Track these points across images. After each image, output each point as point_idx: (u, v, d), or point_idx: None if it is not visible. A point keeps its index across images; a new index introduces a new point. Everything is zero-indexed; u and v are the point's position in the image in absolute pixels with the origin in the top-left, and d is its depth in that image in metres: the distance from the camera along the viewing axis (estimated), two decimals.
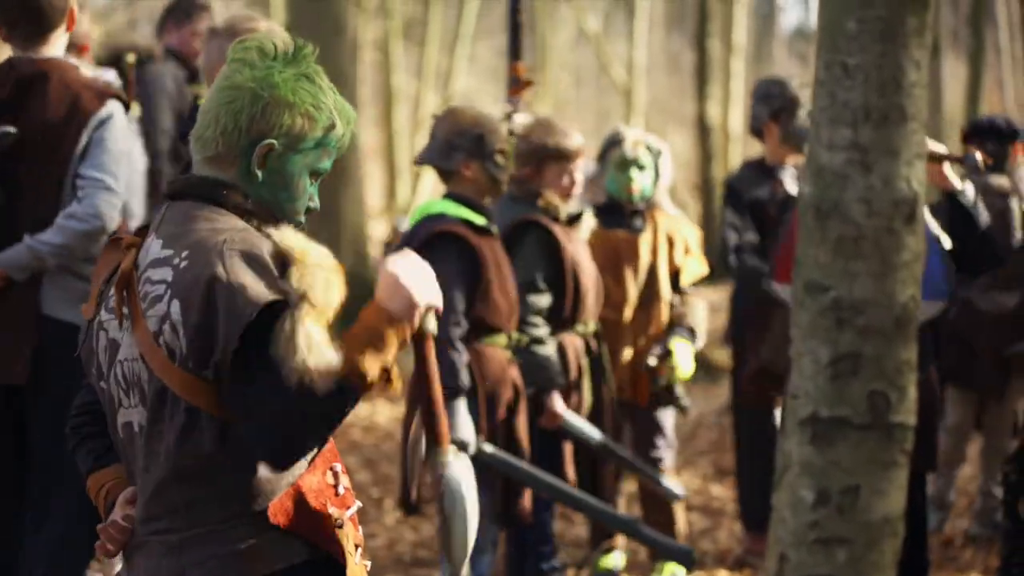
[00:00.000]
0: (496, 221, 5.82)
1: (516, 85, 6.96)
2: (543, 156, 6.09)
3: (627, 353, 6.70)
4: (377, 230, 19.68)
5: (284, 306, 2.93)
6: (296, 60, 3.14)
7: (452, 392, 5.30)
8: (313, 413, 2.92)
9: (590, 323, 6.15)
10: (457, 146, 5.61)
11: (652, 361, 6.66)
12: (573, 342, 6.06)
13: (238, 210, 3.09)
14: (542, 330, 5.95)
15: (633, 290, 6.70)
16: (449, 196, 5.65)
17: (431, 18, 24.54)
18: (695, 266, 6.85)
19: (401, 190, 24.08)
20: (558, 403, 5.92)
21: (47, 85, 5.17)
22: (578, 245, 6.14)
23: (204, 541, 3.05)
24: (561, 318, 6.00)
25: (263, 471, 3.03)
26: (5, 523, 5.26)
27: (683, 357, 6.66)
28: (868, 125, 2.35)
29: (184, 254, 3.00)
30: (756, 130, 7.44)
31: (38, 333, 5.13)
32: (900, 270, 2.38)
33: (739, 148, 20.72)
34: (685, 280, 6.82)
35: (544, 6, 25.64)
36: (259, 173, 3.11)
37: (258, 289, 2.93)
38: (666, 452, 6.79)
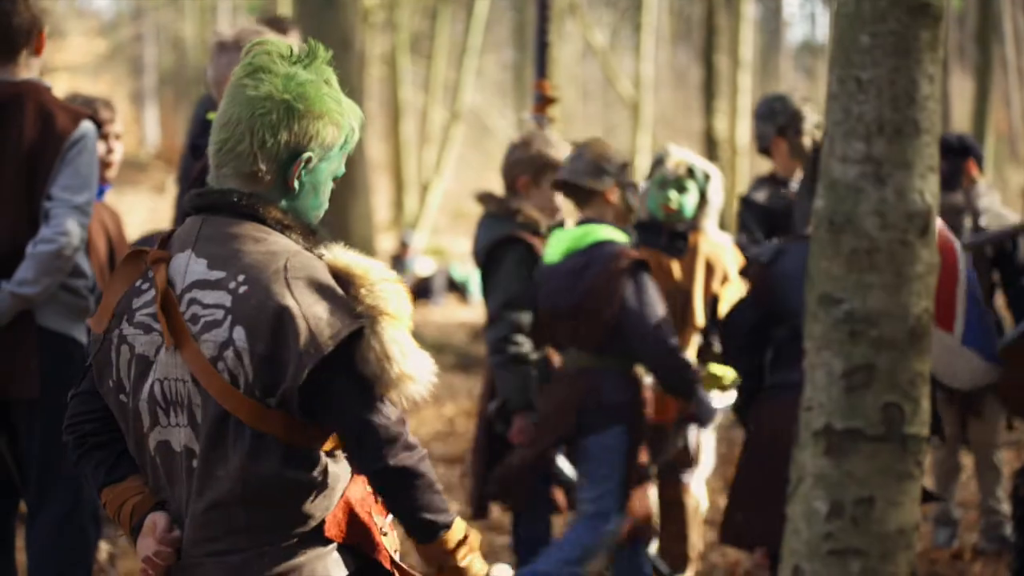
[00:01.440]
0: (480, 240, 5.87)
1: (541, 102, 6.90)
2: (543, 166, 6.06)
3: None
4: (385, 243, 19.71)
5: (360, 333, 2.96)
6: (315, 64, 3.15)
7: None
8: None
9: None
10: (605, 171, 5.77)
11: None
12: (556, 355, 6.04)
13: (279, 225, 3.08)
14: (525, 347, 5.91)
15: None
16: (591, 221, 5.79)
17: (438, 32, 24.60)
18: (734, 294, 6.49)
19: (409, 203, 24.12)
20: (521, 421, 5.91)
21: (23, 107, 5.18)
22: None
23: (266, 560, 3.07)
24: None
25: (321, 490, 3.06)
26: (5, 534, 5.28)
27: (722, 372, 6.39)
28: (882, 138, 2.36)
29: (241, 278, 2.99)
30: (763, 148, 7.45)
31: (38, 346, 5.13)
32: (914, 282, 2.39)
33: (746, 162, 20.73)
34: (723, 309, 6.49)
35: (551, 21, 25.64)
36: (293, 184, 3.11)
37: (333, 321, 2.95)
38: (693, 474, 6.63)
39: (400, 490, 3.07)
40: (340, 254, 3.06)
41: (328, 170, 3.16)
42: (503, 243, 5.98)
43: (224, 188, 3.10)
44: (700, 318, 6.46)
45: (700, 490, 6.74)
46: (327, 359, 2.92)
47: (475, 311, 18.75)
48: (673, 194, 6.36)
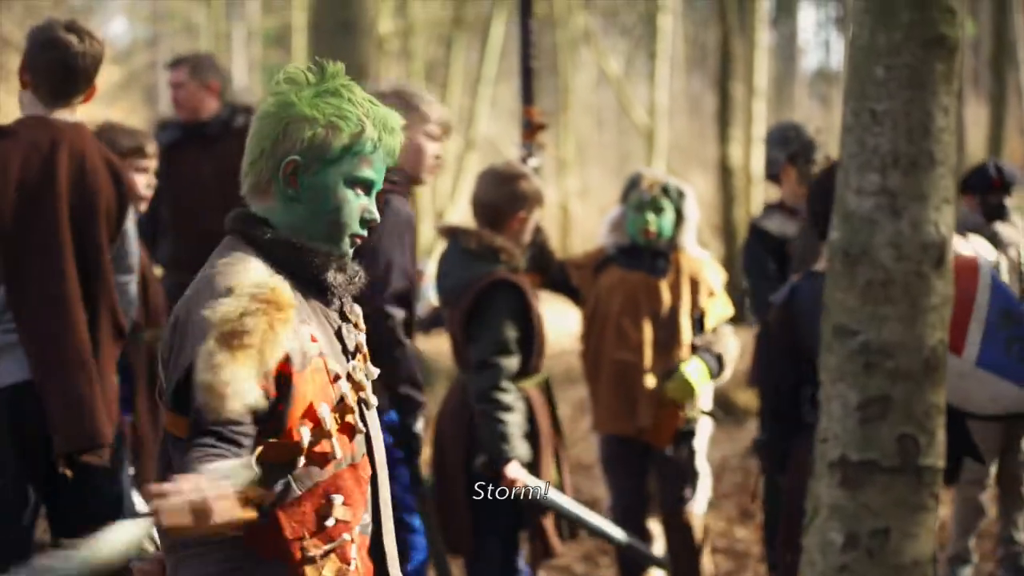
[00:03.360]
0: (453, 278, 5.80)
1: (529, 129, 6.87)
2: (536, 201, 5.90)
3: (647, 396, 6.57)
4: None
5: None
6: (322, 79, 3.18)
7: None
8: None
9: (543, 373, 5.96)
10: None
11: (658, 382, 6.50)
12: (532, 392, 5.87)
13: (258, 246, 3.13)
14: (511, 396, 5.73)
15: (651, 333, 6.57)
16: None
17: (453, 60, 24.68)
18: (720, 308, 6.71)
19: (424, 231, 24.17)
20: (515, 470, 5.67)
21: (88, 151, 5.14)
22: (535, 294, 6.00)
23: (190, 563, 3.12)
24: (525, 371, 5.80)
25: None
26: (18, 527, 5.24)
27: (693, 370, 6.47)
28: (897, 171, 2.37)
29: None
30: (772, 175, 7.47)
31: None
32: (929, 314, 2.40)
33: (760, 190, 20.74)
34: (710, 323, 6.65)
35: (566, 49, 25.75)
36: (291, 192, 3.14)
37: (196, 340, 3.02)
38: (693, 495, 6.68)
39: None
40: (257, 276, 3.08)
41: (336, 173, 3.16)
42: (494, 286, 5.74)
43: (238, 209, 3.19)
44: (688, 336, 6.56)
45: (701, 511, 6.78)
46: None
47: None
48: (651, 216, 6.54)
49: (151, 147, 6.18)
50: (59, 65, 5.14)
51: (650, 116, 23.65)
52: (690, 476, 6.67)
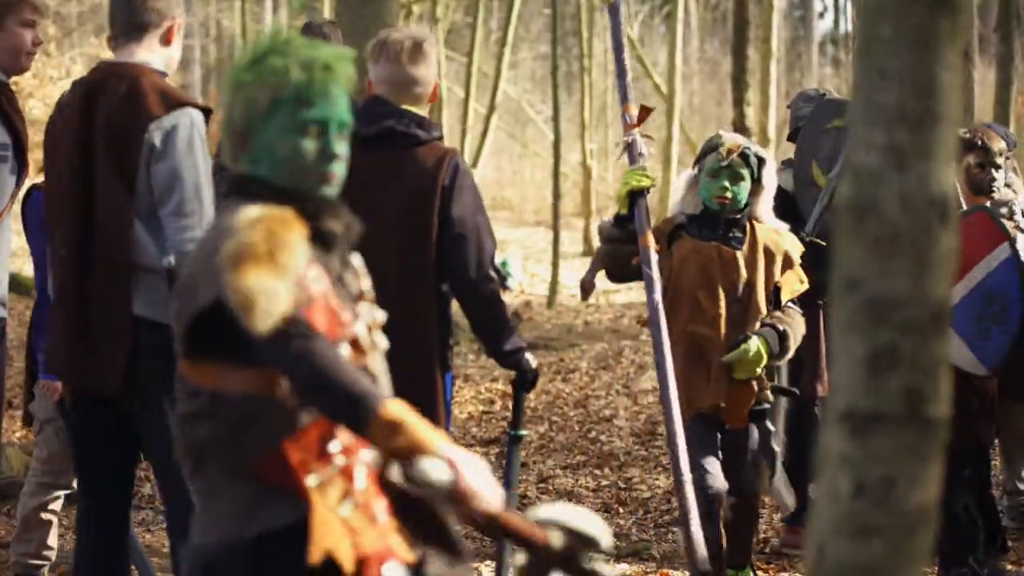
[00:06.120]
0: None
1: (631, 122, 6.29)
2: None
3: (720, 372, 6.24)
4: None
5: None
6: (263, 45, 3.31)
7: None
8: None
9: None
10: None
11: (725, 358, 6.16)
12: None
13: (254, 195, 3.28)
14: None
15: (726, 307, 6.24)
16: None
17: (479, 24, 24.72)
18: (795, 282, 6.37)
19: None
20: None
21: (116, 86, 5.04)
22: None
23: (214, 501, 3.28)
24: None
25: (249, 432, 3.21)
26: (114, 528, 5.28)
27: (752, 346, 6.15)
28: (903, 127, 2.41)
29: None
30: (797, 132, 7.59)
31: (132, 337, 5.01)
32: (935, 267, 2.45)
33: (777, 151, 20.74)
34: (785, 296, 6.34)
35: (587, 14, 25.74)
36: (248, 156, 3.30)
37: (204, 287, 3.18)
38: (762, 476, 6.39)
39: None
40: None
41: (276, 126, 3.28)
42: None
43: (225, 174, 3.44)
44: (763, 308, 6.29)
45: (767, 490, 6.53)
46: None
47: (511, 297, 18.84)
48: (727, 183, 6.22)
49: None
50: (119, 2, 5.17)
51: (668, 79, 23.65)
52: (762, 456, 6.39)
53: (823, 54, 43.60)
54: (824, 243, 6.79)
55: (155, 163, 4.96)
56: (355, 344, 3.28)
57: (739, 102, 19.62)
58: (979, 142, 6.81)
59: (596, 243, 6.68)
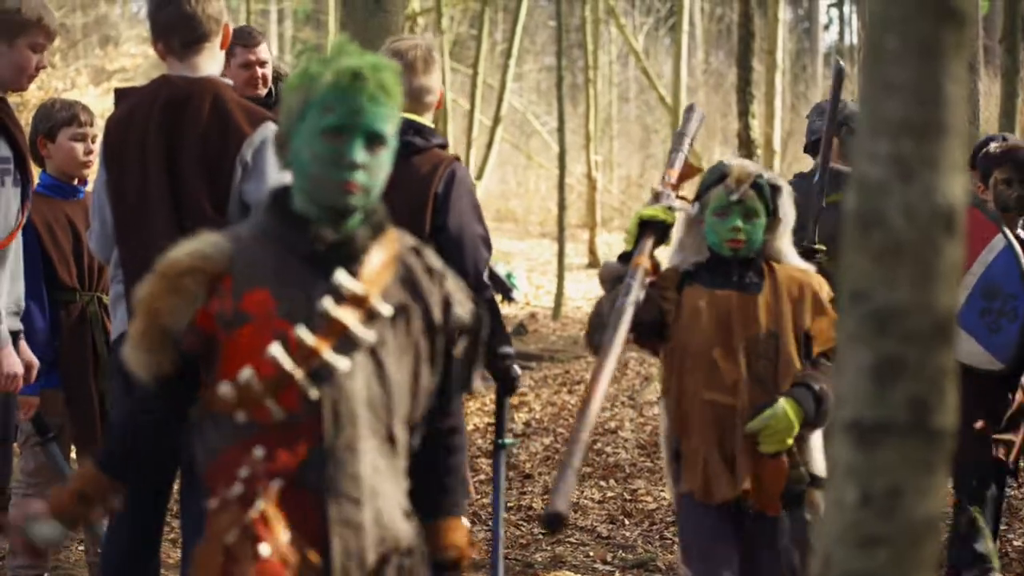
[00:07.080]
0: None
1: (671, 182, 5.33)
2: None
3: (746, 448, 5.04)
4: None
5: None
6: (317, 56, 3.35)
7: None
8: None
9: None
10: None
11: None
12: None
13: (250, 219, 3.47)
14: None
15: (746, 366, 5.08)
16: None
17: (483, 37, 24.78)
18: (830, 331, 5.09)
19: None
20: None
21: (200, 104, 5.02)
22: None
23: (192, 497, 3.69)
24: None
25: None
26: (151, 531, 5.25)
27: (779, 411, 4.99)
28: (909, 138, 2.42)
29: None
30: (811, 143, 7.60)
31: None
32: (940, 277, 2.45)
33: (783, 162, 20.75)
34: (818, 348, 5.11)
35: (592, 27, 25.78)
36: (285, 161, 3.35)
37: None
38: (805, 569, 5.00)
39: None
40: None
41: (306, 130, 3.28)
42: None
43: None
44: (797, 363, 5.09)
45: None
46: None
47: (517, 309, 18.85)
48: (739, 221, 5.11)
49: (85, 115, 6.26)
50: (177, 16, 5.16)
51: (673, 91, 23.67)
52: (794, 551, 5.06)
53: (828, 65, 43.62)
54: (824, 248, 6.72)
55: (246, 181, 4.98)
56: (279, 367, 3.22)
57: (744, 114, 19.60)
58: (1009, 158, 6.81)
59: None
